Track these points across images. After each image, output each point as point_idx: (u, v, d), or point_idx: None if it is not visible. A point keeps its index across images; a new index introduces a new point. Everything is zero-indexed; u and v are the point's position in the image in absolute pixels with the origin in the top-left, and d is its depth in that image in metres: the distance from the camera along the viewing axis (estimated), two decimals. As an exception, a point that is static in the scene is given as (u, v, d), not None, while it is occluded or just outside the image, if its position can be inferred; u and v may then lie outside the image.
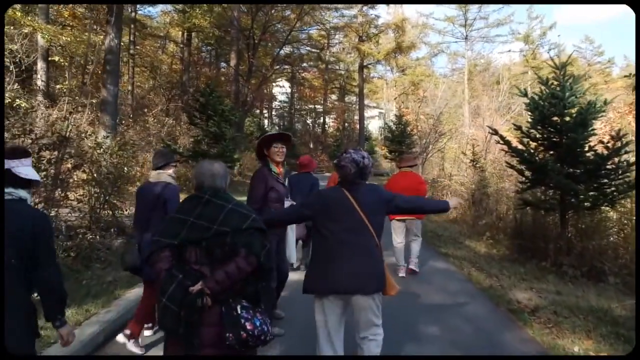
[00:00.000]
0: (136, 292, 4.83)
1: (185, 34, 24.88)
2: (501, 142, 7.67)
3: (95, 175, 7.27)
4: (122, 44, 24.02)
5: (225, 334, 2.13)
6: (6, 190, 2.10)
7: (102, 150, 7.78)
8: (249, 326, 2.15)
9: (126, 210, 7.69)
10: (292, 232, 4.11)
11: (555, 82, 7.40)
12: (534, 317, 4.65)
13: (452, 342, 4.04)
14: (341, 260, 2.75)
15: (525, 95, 7.56)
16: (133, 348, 3.58)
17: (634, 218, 7.27)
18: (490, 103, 25.89)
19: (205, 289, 2.13)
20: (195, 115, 14.91)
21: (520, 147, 7.38)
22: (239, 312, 2.17)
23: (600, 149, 6.77)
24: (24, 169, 2.14)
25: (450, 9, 36.41)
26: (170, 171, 3.79)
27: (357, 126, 36.26)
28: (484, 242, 9.14)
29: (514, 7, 40.72)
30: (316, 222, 2.89)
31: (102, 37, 13.95)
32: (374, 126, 47.58)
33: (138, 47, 24.60)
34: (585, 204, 6.90)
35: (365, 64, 28.19)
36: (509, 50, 48.79)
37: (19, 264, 2.03)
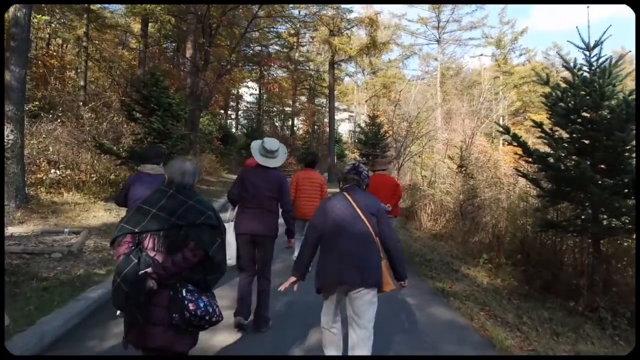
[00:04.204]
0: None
1: (141, 24, 22.45)
2: (514, 143, 5.89)
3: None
4: (78, 36, 21.91)
5: (172, 314, 2.37)
6: None
7: None
8: (191, 306, 2.37)
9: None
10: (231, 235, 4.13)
11: (585, 67, 5.71)
12: None
13: None
14: (344, 254, 2.94)
15: (547, 83, 5.82)
16: None
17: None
18: (463, 107, 24.55)
19: (151, 273, 2.35)
20: (135, 110, 12.41)
21: (545, 149, 5.61)
22: (184, 294, 2.39)
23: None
24: None
25: (423, 10, 35.18)
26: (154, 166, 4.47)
27: (327, 129, 34.36)
28: (482, 269, 7.36)
29: (487, 10, 40.02)
30: (323, 226, 3.07)
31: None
32: (343, 129, 45.90)
33: (96, 41, 22.15)
34: (629, 226, 5.21)
35: (336, 60, 26.26)
36: (481, 55, 48.07)
37: None
